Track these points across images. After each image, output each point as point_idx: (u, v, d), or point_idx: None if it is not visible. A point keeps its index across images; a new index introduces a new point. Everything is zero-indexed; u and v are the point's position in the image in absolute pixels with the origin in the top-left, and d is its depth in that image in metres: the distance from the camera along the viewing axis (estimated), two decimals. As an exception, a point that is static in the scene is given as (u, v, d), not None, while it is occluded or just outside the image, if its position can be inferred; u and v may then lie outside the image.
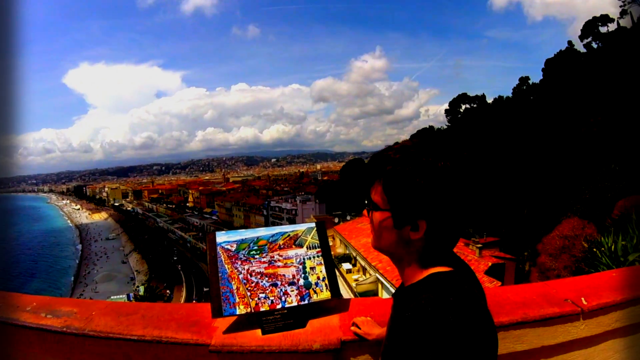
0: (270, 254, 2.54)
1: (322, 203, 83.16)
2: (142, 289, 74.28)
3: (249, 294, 2.37)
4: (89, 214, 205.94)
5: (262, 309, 2.36)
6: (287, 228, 2.71)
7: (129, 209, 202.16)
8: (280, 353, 2.23)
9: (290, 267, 2.53)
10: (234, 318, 2.44)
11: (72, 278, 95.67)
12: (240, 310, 2.34)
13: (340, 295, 2.60)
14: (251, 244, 2.56)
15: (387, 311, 2.49)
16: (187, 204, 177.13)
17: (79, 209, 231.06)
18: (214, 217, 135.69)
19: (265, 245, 2.58)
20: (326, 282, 2.54)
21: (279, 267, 2.51)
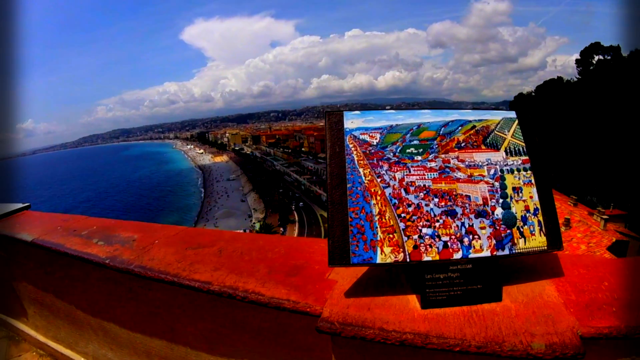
0: (443, 155, 1.37)
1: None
2: (257, 225, 79.34)
3: (402, 225, 1.24)
4: (212, 157, 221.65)
5: (425, 258, 1.32)
6: (470, 114, 1.48)
7: (248, 152, 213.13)
8: (464, 353, 1.18)
9: (479, 182, 1.41)
10: (368, 270, 1.47)
11: (196, 214, 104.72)
12: (384, 256, 1.28)
13: (562, 245, 1.47)
14: (408, 136, 1.38)
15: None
16: (302, 149, 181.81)
17: (202, 153, 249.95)
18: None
19: (434, 138, 1.39)
20: (541, 217, 1.44)
21: (458, 180, 1.37)
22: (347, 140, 1.35)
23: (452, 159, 1.38)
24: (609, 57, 55.31)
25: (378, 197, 1.29)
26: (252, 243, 1.92)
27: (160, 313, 1.95)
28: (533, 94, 64.41)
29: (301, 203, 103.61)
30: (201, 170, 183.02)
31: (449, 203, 1.32)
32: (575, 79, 59.12)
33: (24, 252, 2.84)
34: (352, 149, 1.33)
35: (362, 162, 1.31)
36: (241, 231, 77.49)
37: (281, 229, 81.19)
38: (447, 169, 1.36)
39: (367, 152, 1.33)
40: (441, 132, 1.42)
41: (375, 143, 1.35)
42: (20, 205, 3.81)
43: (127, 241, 2.22)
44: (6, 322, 3.48)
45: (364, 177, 1.30)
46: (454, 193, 1.34)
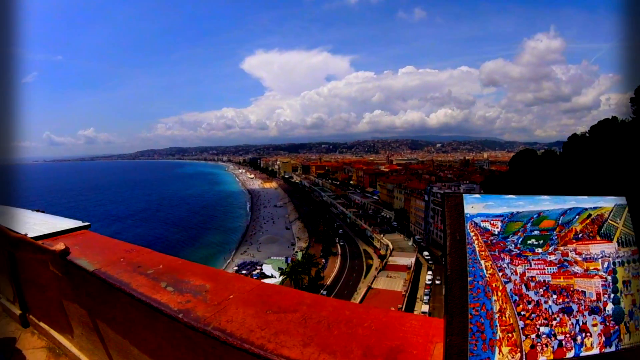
0: (562, 247, 1.30)
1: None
2: (299, 254, 79.76)
3: (521, 324, 1.17)
4: (261, 183, 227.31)
5: (540, 359, 1.22)
6: (586, 201, 1.41)
7: (297, 181, 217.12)
8: None
9: (593, 277, 1.35)
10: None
11: (241, 236, 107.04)
12: (501, 356, 1.21)
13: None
14: (529, 225, 1.32)
15: None
16: (351, 182, 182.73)
17: (252, 178, 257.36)
18: (375, 197, 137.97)
19: (553, 228, 1.33)
20: (645, 311, 1.40)
21: (576, 275, 1.29)
22: (468, 227, 1.30)
23: (570, 251, 1.31)
24: (663, 95, 52.89)
25: (499, 293, 1.22)
26: (338, 313, 1.76)
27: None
28: (587, 134, 62.17)
29: (340, 230, 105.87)
30: (250, 194, 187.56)
31: (566, 300, 1.25)
32: (630, 119, 56.79)
33: (81, 279, 2.70)
34: (473, 237, 1.28)
35: (483, 253, 1.26)
36: (283, 258, 77.76)
37: (323, 260, 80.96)
38: (566, 263, 1.29)
39: (489, 242, 1.28)
40: (560, 221, 1.35)
41: (496, 232, 1.30)
42: (80, 223, 3.73)
43: (199, 291, 2.08)
44: (48, 333, 3.46)
45: (485, 271, 1.24)
46: (571, 289, 1.27)
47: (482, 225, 1.30)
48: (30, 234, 3.21)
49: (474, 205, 1.33)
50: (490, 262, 1.25)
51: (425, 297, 57.41)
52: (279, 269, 75.32)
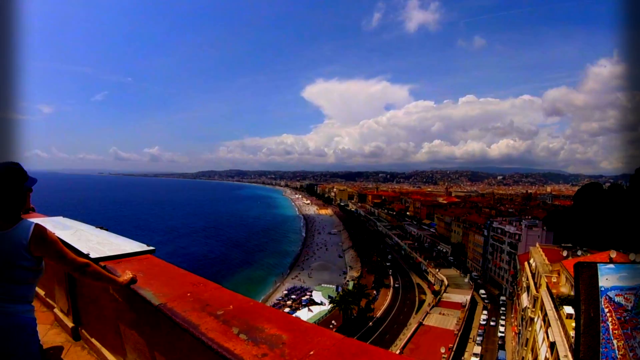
0: (690, 321, 1.22)
1: (550, 231, 74.26)
2: (351, 284, 79.22)
3: (645, 410, 1.11)
4: (317, 209, 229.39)
5: None
6: None
7: (352, 209, 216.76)
8: None
9: None
10: None
11: (293, 260, 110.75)
12: None
13: None
14: (661, 297, 1.26)
15: None
16: (407, 213, 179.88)
17: (308, 204, 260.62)
18: (431, 230, 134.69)
19: (685, 300, 1.26)
20: None
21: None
22: (602, 302, 1.23)
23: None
24: None
25: (630, 373, 1.16)
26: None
27: None
28: (655, 167, 58.77)
29: (390, 256, 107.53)
30: (305, 220, 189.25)
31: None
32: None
33: (143, 310, 2.58)
34: (607, 314, 1.22)
35: (616, 331, 1.20)
36: (334, 286, 77.33)
37: (374, 292, 79.69)
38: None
39: (622, 319, 1.22)
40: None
41: (630, 307, 1.23)
42: (145, 247, 3.64)
43: (275, 343, 1.88)
44: (99, 351, 3.38)
45: (617, 352, 1.18)
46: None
47: (616, 301, 1.24)
48: (93, 254, 3.21)
49: (608, 277, 1.27)
50: (623, 342, 1.20)
51: (478, 338, 54.83)
52: (329, 297, 74.68)
